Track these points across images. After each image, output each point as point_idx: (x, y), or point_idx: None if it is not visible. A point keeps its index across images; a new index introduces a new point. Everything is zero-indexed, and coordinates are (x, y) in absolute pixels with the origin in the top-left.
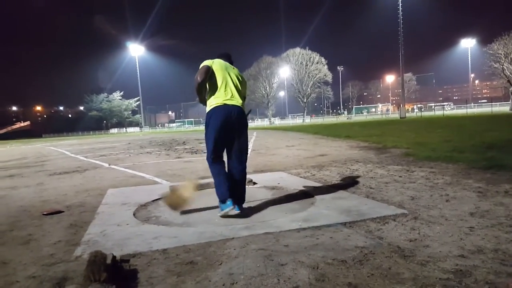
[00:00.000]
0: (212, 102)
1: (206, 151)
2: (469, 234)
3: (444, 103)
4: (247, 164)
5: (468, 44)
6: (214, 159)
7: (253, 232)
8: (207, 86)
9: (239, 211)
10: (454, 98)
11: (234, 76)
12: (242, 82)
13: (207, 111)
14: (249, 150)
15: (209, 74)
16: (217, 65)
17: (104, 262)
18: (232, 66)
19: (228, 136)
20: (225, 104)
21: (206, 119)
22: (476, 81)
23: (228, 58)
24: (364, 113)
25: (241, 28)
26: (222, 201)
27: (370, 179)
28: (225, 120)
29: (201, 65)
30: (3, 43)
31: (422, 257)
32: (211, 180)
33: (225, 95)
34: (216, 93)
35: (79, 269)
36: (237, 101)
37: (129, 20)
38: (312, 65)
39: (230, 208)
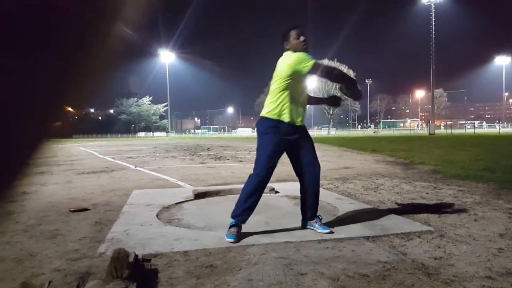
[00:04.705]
0: None
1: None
2: (498, 255)
3: (475, 121)
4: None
5: (503, 61)
6: None
7: (273, 240)
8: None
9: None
10: (487, 116)
11: None
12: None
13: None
14: None
15: None
16: None
17: (127, 260)
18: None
19: None
20: None
21: None
22: (510, 100)
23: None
24: (392, 129)
25: (267, 37)
26: None
27: (395, 194)
28: None
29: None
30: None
31: (447, 276)
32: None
33: None
34: None
35: (102, 265)
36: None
37: (162, 28)
38: None
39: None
